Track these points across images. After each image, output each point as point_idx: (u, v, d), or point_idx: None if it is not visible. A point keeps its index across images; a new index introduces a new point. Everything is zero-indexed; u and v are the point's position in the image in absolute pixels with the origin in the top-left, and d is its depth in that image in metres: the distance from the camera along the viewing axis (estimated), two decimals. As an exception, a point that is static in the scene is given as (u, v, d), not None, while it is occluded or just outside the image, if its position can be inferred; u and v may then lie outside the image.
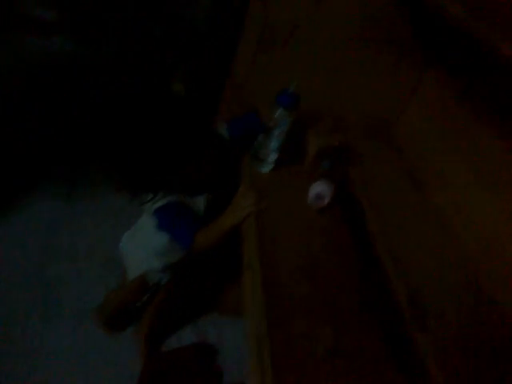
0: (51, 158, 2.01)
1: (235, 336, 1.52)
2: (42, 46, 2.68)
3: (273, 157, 1.10)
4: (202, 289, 1.57)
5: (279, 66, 1.28)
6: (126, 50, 2.30)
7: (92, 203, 1.88)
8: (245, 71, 1.51)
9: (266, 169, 1.11)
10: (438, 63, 1.23)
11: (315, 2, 1.17)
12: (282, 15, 1.23)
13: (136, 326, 1.41)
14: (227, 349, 1.48)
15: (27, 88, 2.29)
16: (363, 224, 1.00)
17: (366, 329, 0.78)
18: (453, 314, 0.81)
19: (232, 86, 1.57)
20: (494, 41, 0.65)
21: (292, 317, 0.75)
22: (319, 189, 1.01)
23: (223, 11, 2.03)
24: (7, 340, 1.33)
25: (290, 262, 0.87)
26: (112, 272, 1.57)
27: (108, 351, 1.36)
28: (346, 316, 0.79)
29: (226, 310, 1.54)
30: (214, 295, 1.57)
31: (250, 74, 1.36)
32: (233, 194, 1.06)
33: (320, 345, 0.72)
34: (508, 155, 0.91)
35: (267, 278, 0.81)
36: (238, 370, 1.41)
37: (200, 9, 2.29)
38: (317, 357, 0.70)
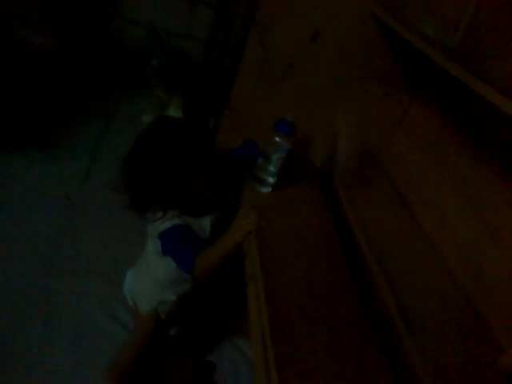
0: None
1: (233, 355, 1.57)
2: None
3: (272, 179, 1.19)
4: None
5: (276, 97, 1.39)
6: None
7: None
8: (243, 103, 1.62)
9: (266, 190, 1.20)
10: (422, 97, 1.34)
11: (309, 43, 1.29)
12: (279, 54, 1.35)
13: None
14: (226, 367, 1.53)
15: None
16: (354, 241, 1.09)
17: (359, 334, 0.85)
18: (437, 321, 0.88)
19: (230, 116, 1.67)
20: (469, 81, 0.75)
21: (293, 321, 0.82)
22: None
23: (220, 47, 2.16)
24: (6, 355, 1.37)
25: (288, 275, 0.94)
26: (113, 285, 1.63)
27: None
28: (341, 322, 0.86)
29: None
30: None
31: (249, 104, 1.46)
32: (233, 215, 1.13)
33: (319, 346, 0.79)
34: (490, 178, 1.01)
35: (269, 288, 0.88)
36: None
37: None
38: (317, 357, 0.77)
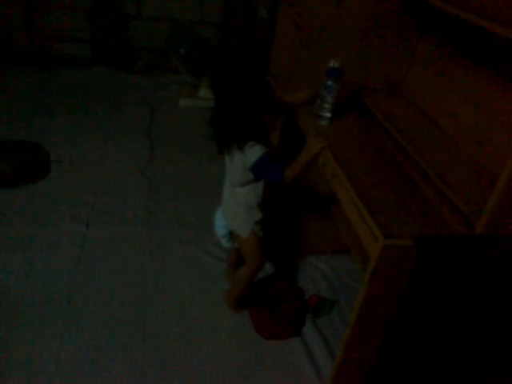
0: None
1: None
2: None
3: (329, 114, 1.62)
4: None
5: (314, 58, 1.81)
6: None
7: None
8: (283, 68, 2.05)
9: (325, 123, 1.64)
10: (428, 36, 1.76)
11: (336, 6, 1.71)
12: (313, 20, 1.77)
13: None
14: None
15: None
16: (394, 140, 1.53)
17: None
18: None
19: (273, 81, 2.09)
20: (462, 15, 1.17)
21: (368, 190, 1.27)
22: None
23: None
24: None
25: (357, 169, 1.39)
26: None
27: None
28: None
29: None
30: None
31: (290, 68, 1.89)
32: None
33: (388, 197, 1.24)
34: (493, 87, 1.43)
35: (348, 177, 1.33)
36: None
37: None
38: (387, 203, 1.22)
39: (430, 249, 1.07)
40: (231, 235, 1.81)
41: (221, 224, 1.80)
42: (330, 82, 1.56)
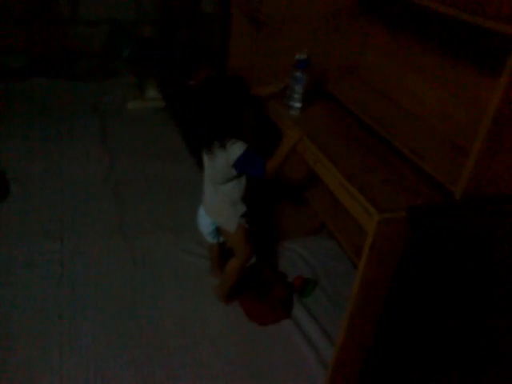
0: None
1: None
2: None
3: (299, 104, 1.70)
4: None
5: (276, 50, 1.87)
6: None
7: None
8: (243, 61, 2.10)
9: (296, 112, 1.71)
10: (379, 21, 1.88)
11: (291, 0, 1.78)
12: (272, 14, 1.83)
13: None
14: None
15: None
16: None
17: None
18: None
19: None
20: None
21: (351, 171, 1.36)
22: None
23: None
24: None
25: (336, 153, 1.48)
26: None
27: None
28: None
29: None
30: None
31: (256, 60, 1.94)
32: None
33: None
34: (436, 58, 1.56)
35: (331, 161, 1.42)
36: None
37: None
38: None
39: (422, 218, 1.17)
40: (217, 231, 1.85)
41: (206, 222, 1.84)
42: (298, 74, 1.63)
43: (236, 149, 1.58)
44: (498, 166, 1.21)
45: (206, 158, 1.71)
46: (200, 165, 2.80)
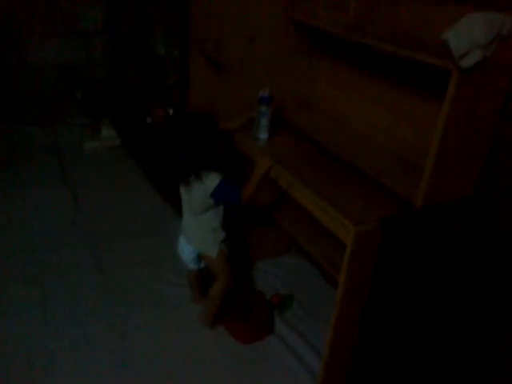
0: None
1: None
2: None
3: (265, 135, 1.88)
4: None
5: (239, 86, 2.05)
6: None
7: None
8: (207, 96, 2.26)
9: (263, 143, 1.89)
10: (327, 56, 2.10)
11: (249, 42, 1.97)
12: (230, 56, 2.01)
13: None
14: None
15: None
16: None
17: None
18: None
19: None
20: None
21: (322, 191, 1.54)
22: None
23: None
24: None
25: (305, 176, 1.65)
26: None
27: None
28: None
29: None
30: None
31: (220, 96, 2.11)
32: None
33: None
34: (383, 86, 1.79)
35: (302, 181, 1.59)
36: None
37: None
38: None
39: (391, 226, 1.36)
40: (199, 257, 1.97)
41: (188, 250, 1.94)
42: (263, 108, 1.81)
43: (212, 180, 1.72)
44: (447, 177, 1.43)
45: (183, 191, 1.83)
46: (166, 200, 2.92)
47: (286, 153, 1.86)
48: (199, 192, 1.74)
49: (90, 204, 2.90)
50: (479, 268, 1.55)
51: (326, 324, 1.60)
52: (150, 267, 2.39)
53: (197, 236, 1.89)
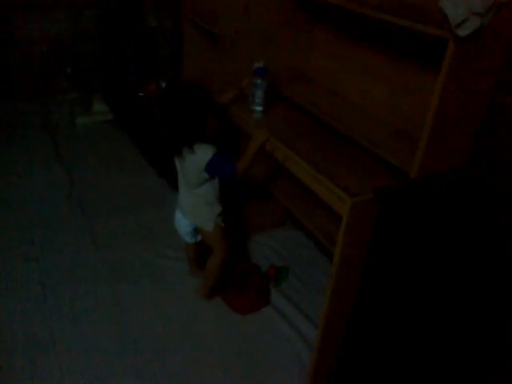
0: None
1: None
2: None
3: (260, 108, 1.86)
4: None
5: (234, 58, 2.02)
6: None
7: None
8: (201, 69, 2.23)
9: (258, 116, 1.87)
10: (323, 27, 2.07)
11: (244, 12, 1.94)
12: (224, 27, 1.98)
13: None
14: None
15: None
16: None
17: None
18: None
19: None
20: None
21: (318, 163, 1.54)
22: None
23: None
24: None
25: (302, 149, 1.65)
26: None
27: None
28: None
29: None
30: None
31: (215, 69, 2.08)
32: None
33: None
34: (379, 56, 1.78)
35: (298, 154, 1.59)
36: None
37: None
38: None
39: (387, 197, 1.37)
40: (195, 231, 1.98)
41: (184, 223, 1.95)
42: (258, 80, 1.79)
43: (204, 153, 1.70)
44: (442, 148, 1.43)
45: (178, 165, 1.83)
46: (160, 174, 2.91)
47: (282, 126, 1.86)
48: (193, 165, 1.74)
49: (84, 179, 2.89)
50: (476, 238, 1.57)
51: (322, 295, 1.62)
52: (147, 241, 2.41)
53: (193, 210, 1.89)
